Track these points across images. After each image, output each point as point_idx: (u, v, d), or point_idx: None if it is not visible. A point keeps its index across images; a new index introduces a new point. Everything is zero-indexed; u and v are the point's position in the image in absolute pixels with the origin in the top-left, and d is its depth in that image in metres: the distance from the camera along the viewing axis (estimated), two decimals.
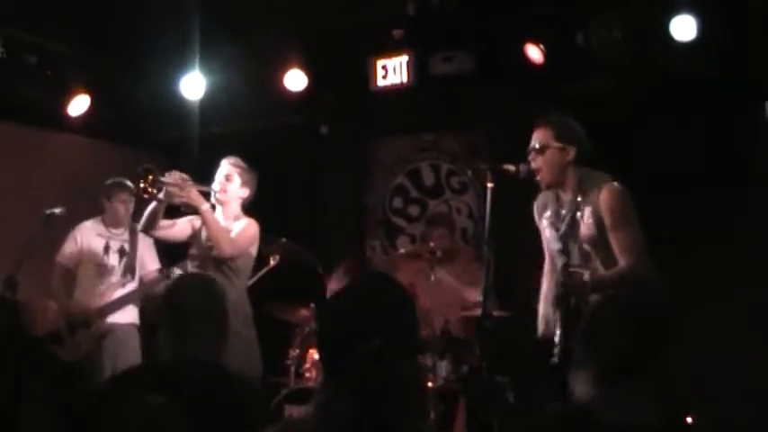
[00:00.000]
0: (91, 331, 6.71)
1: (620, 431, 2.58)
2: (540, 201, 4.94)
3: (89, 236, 6.99)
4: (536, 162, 4.73)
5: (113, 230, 7.01)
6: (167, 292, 3.66)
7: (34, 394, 2.74)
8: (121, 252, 6.96)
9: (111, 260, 6.94)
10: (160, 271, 6.75)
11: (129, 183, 6.92)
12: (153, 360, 3.51)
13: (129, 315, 6.91)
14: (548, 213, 4.84)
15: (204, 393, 3.21)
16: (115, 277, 6.91)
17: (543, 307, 4.88)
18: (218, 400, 3.21)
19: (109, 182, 7.03)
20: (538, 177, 4.74)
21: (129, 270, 6.93)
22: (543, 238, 4.91)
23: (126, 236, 7.00)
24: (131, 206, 6.99)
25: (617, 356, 2.68)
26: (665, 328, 2.74)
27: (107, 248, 6.95)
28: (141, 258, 7.00)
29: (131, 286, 6.91)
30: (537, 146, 4.73)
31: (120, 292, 6.84)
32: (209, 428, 3.06)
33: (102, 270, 6.91)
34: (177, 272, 6.28)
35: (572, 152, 4.69)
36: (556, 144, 4.69)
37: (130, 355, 6.72)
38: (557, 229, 4.75)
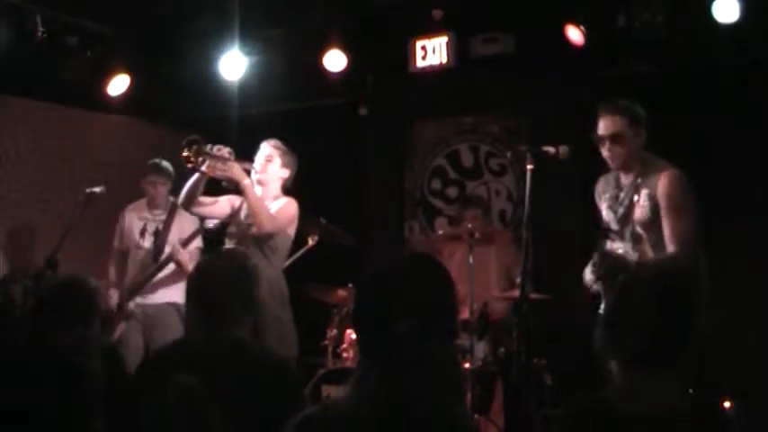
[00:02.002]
0: (120, 314, 6.81)
1: (644, 422, 2.45)
2: (600, 183, 4.91)
3: (131, 218, 7.11)
4: (612, 151, 4.65)
5: (154, 212, 7.10)
6: (197, 270, 3.63)
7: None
8: (156, 234, 7.01)
9: (146, 243, 7.02)
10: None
11: (163, 163, 6.98)
12: (186, 339, 3.50)
13: (166, 295, 6.94)
14: (606, 196, 4.81)
15: (236, 373, 3.22)
16: (144, 259, 7.00)
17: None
18: (250, 380, 3.21)
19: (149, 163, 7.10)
20: (611, 163, 4.69)
21: (157, 252, 6.96)
22: (603, 218, 4.88)
23: (164, 217, 7.05)
24: (164, 188, 7.06)
25: (643, 343, 2.52)
26: (694, 310, 2.57)
27: (143, 231, 7.04)
28: (183, 237, 7.00)
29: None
30: (609, 134, 4.64)
31: (148, 274, 6.92)
32: (241, 408, 3.08)
33: (138, 253, 7.01)
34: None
35: (644, 135, 4.65)
36: (631, 131, 4.64)
37: (165, 334, 6.71)
38: (615, 212, 4.73)
